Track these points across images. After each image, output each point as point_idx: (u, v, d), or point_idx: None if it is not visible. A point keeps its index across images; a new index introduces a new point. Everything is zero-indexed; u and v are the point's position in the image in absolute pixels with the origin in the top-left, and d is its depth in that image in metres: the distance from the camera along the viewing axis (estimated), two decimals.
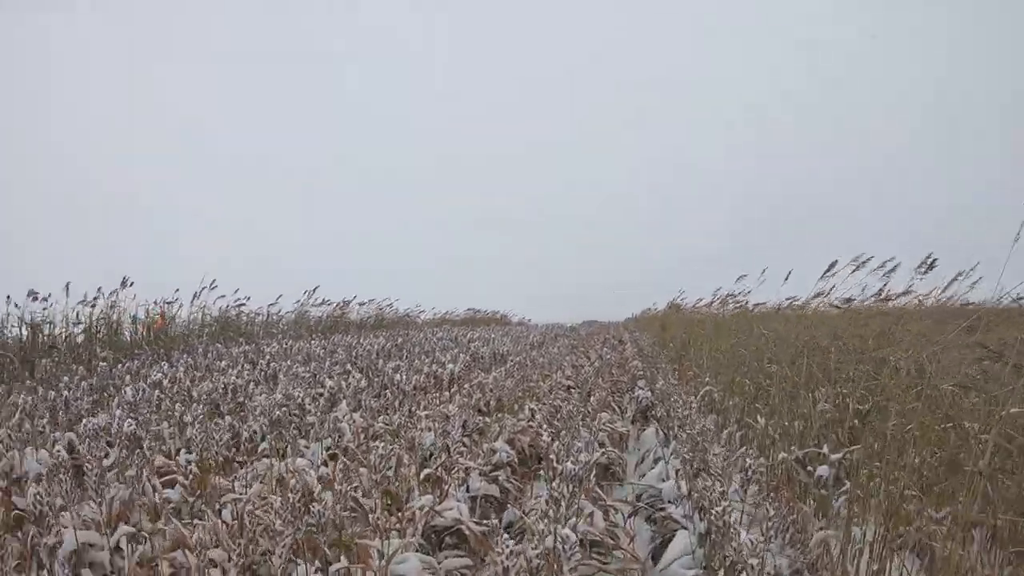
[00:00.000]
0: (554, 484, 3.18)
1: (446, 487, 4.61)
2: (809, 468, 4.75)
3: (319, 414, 6.53)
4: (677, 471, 5.30)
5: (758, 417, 6.38)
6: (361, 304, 22.23)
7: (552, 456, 4.31)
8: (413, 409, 7.20)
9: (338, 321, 21.00)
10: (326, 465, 5.84)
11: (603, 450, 6.23)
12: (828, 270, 7.39)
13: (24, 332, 11.21)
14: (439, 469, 4.70)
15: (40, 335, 11.30)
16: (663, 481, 5.46)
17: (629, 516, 5.24)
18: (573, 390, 9.36)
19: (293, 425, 6.04)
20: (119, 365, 10.09)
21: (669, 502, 5.05)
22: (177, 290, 15.02)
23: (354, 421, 6.32)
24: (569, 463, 3.32)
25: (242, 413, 6.76)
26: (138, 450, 4.48)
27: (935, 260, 6.40)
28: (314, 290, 19.15)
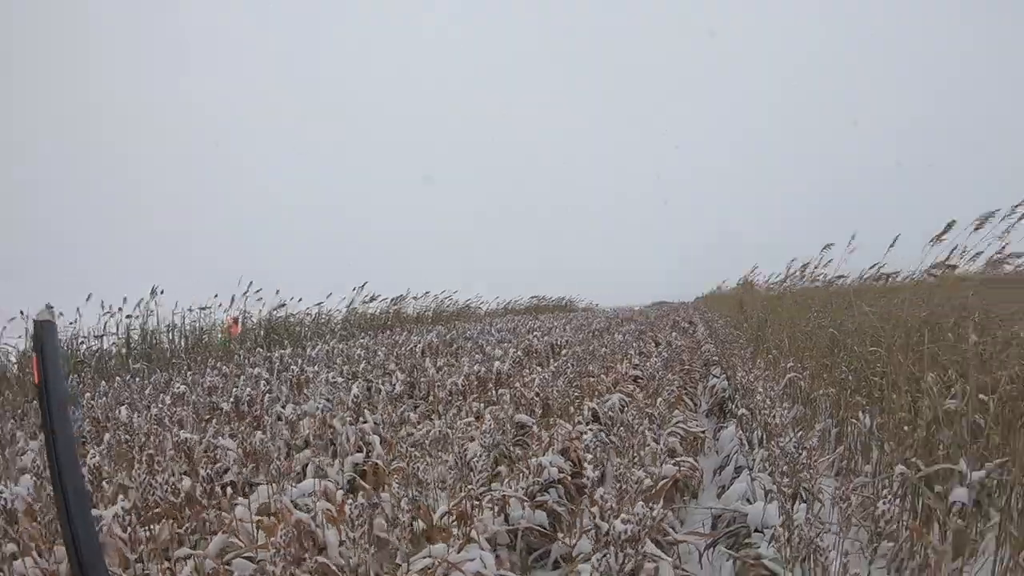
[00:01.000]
0: (595, 557, 2.23)
1: (470, 525, 3.67)
2: (938, 489, 3.69)
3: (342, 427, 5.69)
4: (767, 491, 4.30)
5: (861, 414, 5.31)
6: (416, 298, 21.42)
7: (595, 506, 3.33)
8: (454, 416, 6.30)
9: (394, 317, 20.26)
10: (352, 490, 5.03)
11: (675, 460, 5.24)
12: (944, 232, 6.22)
13: None
14: (463, 504, 3.77)
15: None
16: (748, 502, 4.46)
17: (705, 549, 4.26)
18: (640, 381, 8.38)
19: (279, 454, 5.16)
20: (151, 376, 9.46)
21: (757, 531, 4.07)
22: (215, 295, 14.45)
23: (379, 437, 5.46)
24: (619, 521, 2.37)
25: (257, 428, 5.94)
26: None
27: None
28: (363, 286, 18.41)
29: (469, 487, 3.65)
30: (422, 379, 8.25)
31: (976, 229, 6.03)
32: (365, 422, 6.04)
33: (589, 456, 4.12)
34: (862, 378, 5.99)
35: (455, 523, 3.77)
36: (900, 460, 4.34)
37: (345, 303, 18.47)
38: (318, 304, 17.29)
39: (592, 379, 7.99)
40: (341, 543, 3.51)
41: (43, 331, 1.31)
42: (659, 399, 6.07)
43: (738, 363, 7.81)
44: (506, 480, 4.66)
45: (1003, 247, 6.20)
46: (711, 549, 4.27)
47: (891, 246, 6.96)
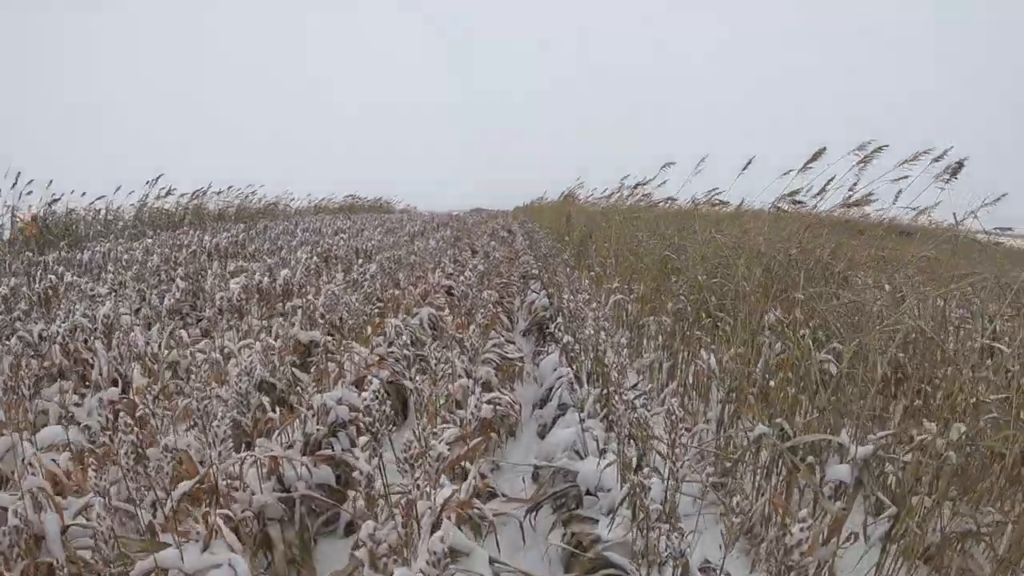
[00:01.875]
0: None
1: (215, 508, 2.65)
2: (810, 460, 3.02)
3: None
4: (600, 446, 3.54)
5: (703, 351, 4.66)
6: (218, 193, 19.41)
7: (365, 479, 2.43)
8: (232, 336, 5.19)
9: (193, 214, 18.26)
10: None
11: (489, 398, 4.41)
12: (812, 160, 5.55)
13: None
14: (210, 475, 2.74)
15: None
16: (577, 455, 3.70)
17: (527, 515, 3.48)
18: (453, 295, 7.51)
19: None
20: None
21: (589, 493, 3.31)
22: None
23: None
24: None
25: None
26: None
27: (961, 162, 4.67)
28: (157, 179, 16.25)
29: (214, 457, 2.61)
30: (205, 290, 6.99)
31: (860, 165, 5.39)
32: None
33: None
34: (703, 311, 5.35)
35: (206, 502, 2.75)
36: (757, 416, 3.68)
37: (138, 198, 16.34)
38: (100, 198, 15.07)
39: (398, 292, 7.03)
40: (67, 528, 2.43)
41: None
42: (472, 325, 5.20)
43: (563, 280, 7.05)
44: (278, 432, 3.64)
45: (855, 184, 5.64)
46: (533, 514, 3.49)
47: (743, 170, 6.29)
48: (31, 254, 10.90)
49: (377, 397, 2.47)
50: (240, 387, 3.48)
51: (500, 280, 9.07)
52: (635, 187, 10.95)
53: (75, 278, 7.50)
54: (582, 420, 3.75)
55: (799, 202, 6.24)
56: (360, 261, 9.74)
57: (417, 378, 3.93)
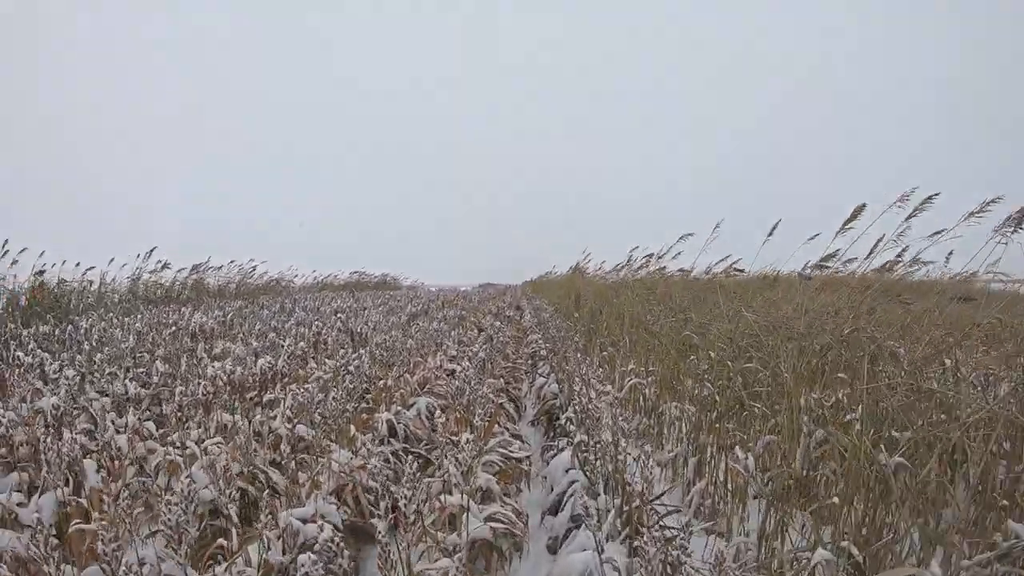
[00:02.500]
0: None
1: None
2: None
3: None
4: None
5: (738, 449, 3.99)
6: (218, 268, 18.89)
7: None
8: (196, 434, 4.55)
9: (192, 289, 17.74)
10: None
11: (488, 515, 3.73)
12: (853, 217, 4.92)
13: None
14: None
15: None
16: None
17: None
18: (455, 377, 6.86)
19: None
20: None
21: None
22: None
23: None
24: None
25: None
26: None
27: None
28: (150, 252, 15.70)
29: None
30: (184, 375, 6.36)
31: (904, 219, 4.74)
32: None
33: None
34: (734, 399, 4.68)
35: None
36: (811, 531, 3.01)
37: (134, 270, 15.83)
38: (90, 268, 14.50)
39: (391, 382, 6.38)
40: None
41: None
42: (469, 426, 4.56)
43: (574, 369, 6.41)
44: (230, 563, 2.98)
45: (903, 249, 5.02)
46: None
47: (769, 235, 5.65)
48: (13, 326, 10.36)
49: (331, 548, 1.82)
50: (180, 511, 2.82)
51: (506, 364, 8.43)
52: (647, 258, 10.37)
53: (43, 356, 6.92)
54: (600, 547, 3.07)
55: (825, 267, 5.65)
56: (349, 346, 9.09)
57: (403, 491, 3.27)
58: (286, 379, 6.31)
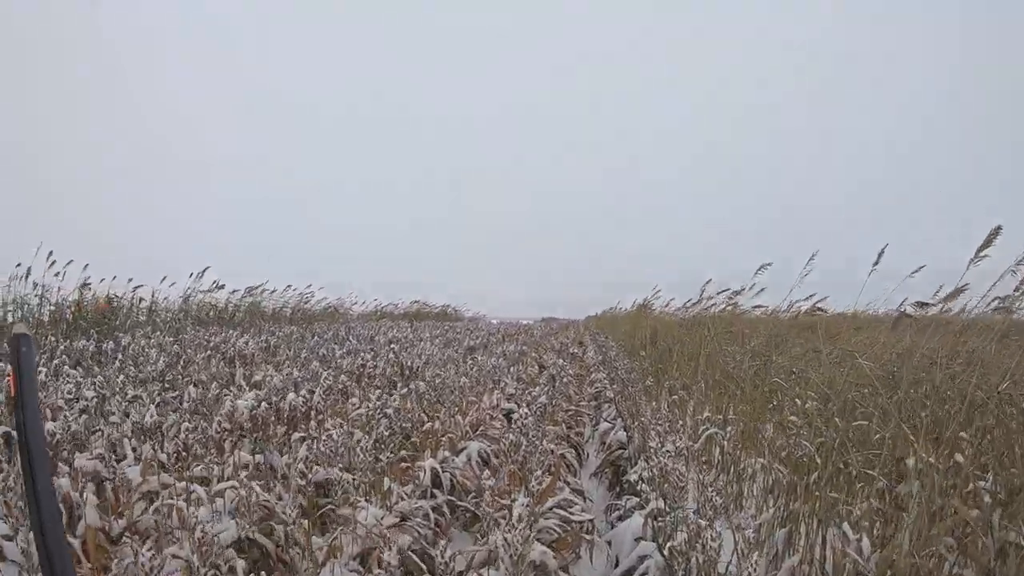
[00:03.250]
0: None
1: None
2: None
3: None
4: None
5: (846, 526, 3.27)
6: (272, 291, 18.53)
7: None
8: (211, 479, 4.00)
9: (246, 312, 17.41)
10: None
11: None
12: (986, 244, 4.17)
13: None
14: None
15: None
16: None
17: None
18: (512, 418, 6.22)
19: None
20: None
21: None
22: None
23: None
24: None
25: None
26: None
27: None
28: (204, 271, 15.43)
29: None
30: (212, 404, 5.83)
31: None
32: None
33: None
34: (839, 461, 3.94)
35: None
36: None
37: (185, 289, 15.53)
38: (140, 287, 14.17)
39: (439, 425, 5.76)
40: None
41: (19, 344, 1.11)
42: (530, 483, 3.91)
43: (648, 420, 5.71)
44: None
45: None
46: None
47: (875, 264, 4.89)
48: (54, 339, 10.10)
49: None
50: None
51: (568, 406, 7.77)
52: (727, 294, 9.58)
53: (73, 373, 6.53)
54: None
55: (927, 304, 4.88)
56: (400, 381, 8.48)
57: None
58: (321, 416, 5.71)
